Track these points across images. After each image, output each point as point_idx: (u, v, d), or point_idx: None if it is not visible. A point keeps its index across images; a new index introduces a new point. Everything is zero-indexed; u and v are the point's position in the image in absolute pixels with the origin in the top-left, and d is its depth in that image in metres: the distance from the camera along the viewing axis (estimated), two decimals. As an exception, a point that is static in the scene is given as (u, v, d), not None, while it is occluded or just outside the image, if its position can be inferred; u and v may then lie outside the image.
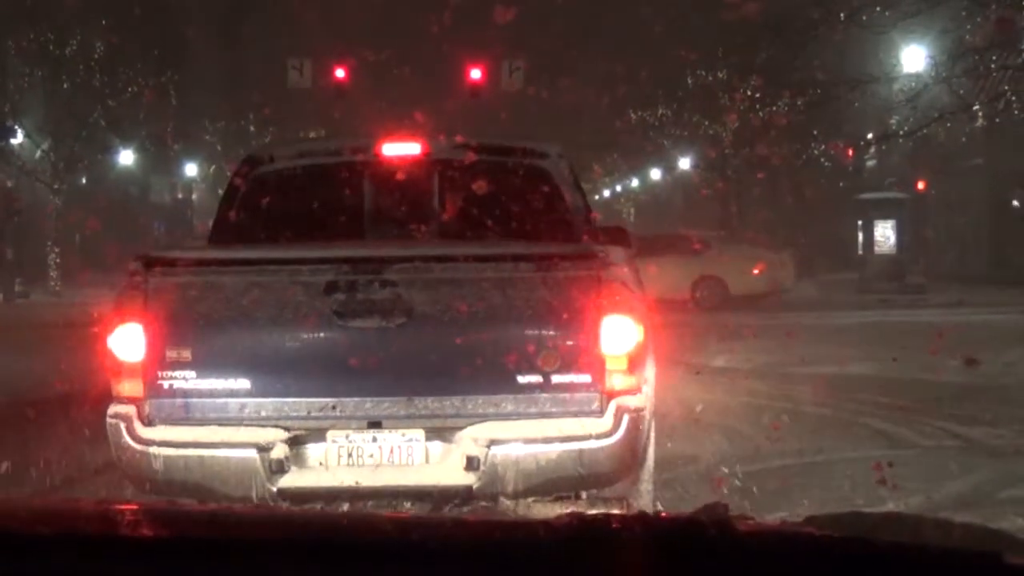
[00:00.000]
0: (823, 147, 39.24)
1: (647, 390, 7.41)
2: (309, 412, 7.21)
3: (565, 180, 9.31)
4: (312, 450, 7.27)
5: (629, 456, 7.21)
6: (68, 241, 49.85)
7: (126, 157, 55.42)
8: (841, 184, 48.13)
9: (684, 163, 61.12)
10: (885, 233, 42.52)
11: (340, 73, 42.07)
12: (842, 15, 23.68)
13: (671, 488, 9.77)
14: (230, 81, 66.07)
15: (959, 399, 15.23)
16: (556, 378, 7.11)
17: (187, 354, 7.21)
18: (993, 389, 16.40)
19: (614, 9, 48.24)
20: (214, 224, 9.38)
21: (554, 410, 7.14)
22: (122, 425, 7.21)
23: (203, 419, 7.23)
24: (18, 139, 46.08)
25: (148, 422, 7.23)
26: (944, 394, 15.80)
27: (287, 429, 7.21)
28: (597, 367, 7.11)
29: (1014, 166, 46.21)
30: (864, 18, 23.92)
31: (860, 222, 43.68)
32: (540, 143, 9.70)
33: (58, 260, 46.71)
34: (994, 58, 22.12)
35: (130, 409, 7.23)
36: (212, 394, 7.23)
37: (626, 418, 7.08)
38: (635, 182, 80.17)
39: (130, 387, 7.24)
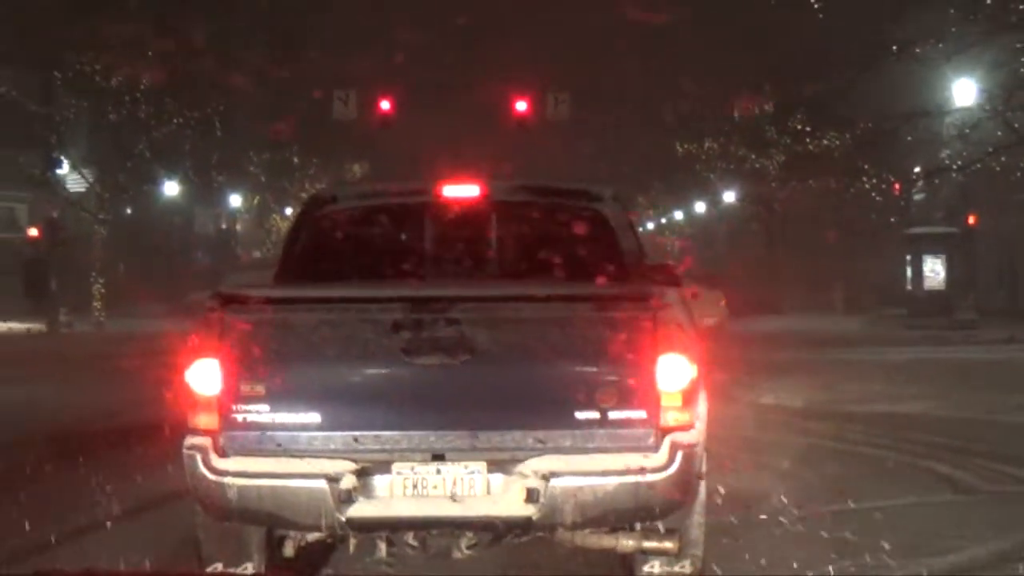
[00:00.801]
0: (873, 180, 38.79)
1: (700, 425, 7.54)
2: (376, 445, 7.39)
3: (620, 222, 9.51)
4: (379, 481, 7.43)
5: (683, 489, 7.36)
6: (112, 271, 49.93)
7: (171, 188, 55.53)
8: (892, 219, 47.71)
9: (729, 196, 60.82)
10: (934, 268, 42.20)
11: (385, 105, 42.06)
12: (895, 47, 23.33)
13: (730, 535, 9.47)
14: (275, 112, 66.17)
15: (1018, 441, 14.84)
16: (613, 414, 7.28)
17: (260, 388, 7.40)
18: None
19: (661, 41, 47.96)
20: (280, 261, 9.57)
21: (611, 445, 7.29)
22: (198, 456, 7.39)
23: (275, 450, 7.42)
24: (64, 170, 46.16)
25: (223, 453, 7.42)
26: (1002, 435, 15.44)
27: (355, 461, 7.38)
28: (653, 404, 7.28)
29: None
30: (918, 51, 23.56)
31: (909, 256, 43.34)
32: (595, 184, 9.89)
33: (102, 290, 46.74)
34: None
35: (206, 441, 7.42)
36: (284, 427, 7.42)
37: (680, 453, 7.23)
38: (679, 214, 79.96)
39: (206, 420, 7.44)
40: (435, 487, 7.36)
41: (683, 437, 7.30)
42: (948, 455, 13.82)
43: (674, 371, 7.28)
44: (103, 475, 11.60)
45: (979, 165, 26.94)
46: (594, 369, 7.34)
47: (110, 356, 28.37)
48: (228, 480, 7.34)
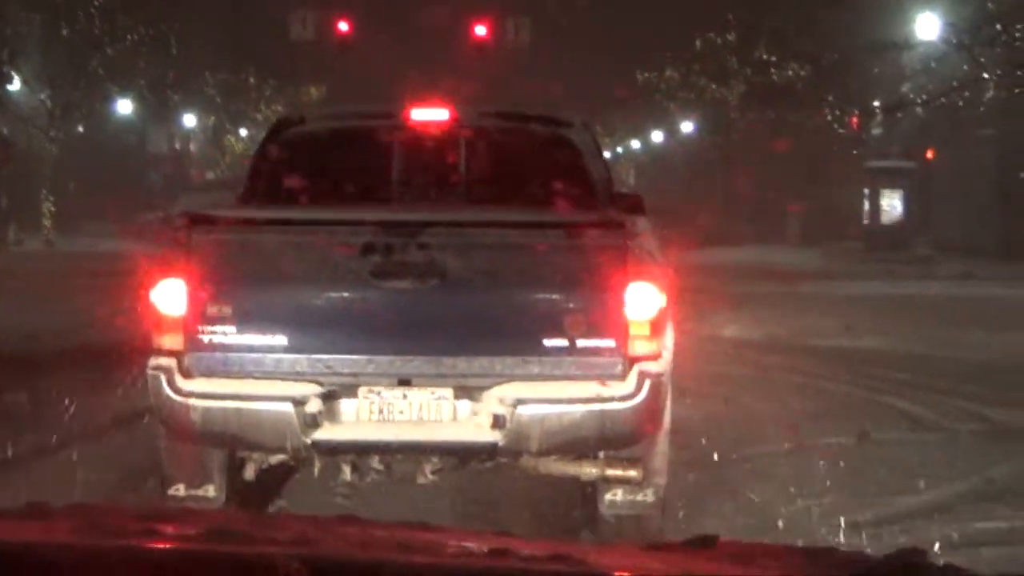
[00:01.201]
0: (836, 113, 38.56)
1: (667, 355, 7.55)
2: (343, 368, 7.41)
3: (589, 149, 9.55)
4: (345, 405, 7.46)
5: (649, 419, 7.39)
6: (63, 190, 49.37)
7: (124, 106, 54.88)
8: (855, 151, 47.50)
9: (687, 126, 60.61)
10: (892, 202, 42.07)
11: (344, 26, 41.62)
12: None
13: (692, 469, 9.33)
14: (231, 32, 65.48)
15: (979, 378, 14.71)
16: (581, 342, 7.29)
17: (227, 310, 7.43)
18: (1014, 369, 15.94)
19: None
20: (246, 183, 9.60)
21: (578, 373, 7.30)
22: (163, 376, 7.40)
23: (241, 373, 7.43)
24: (15, 86, 45.48)
25: (188, 374, 7.43)
26: (963, 372, 15.32)
27: (321, 384, 7.39)
28: (621, 332, 7.29)
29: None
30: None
31: (866, 190, 43.18)
32: (565, 112, 9.98)
33: (52, 209, 46.21)
34: (1019, 27, 21.54)
35: (171, 361, 7.42)
36: (250, 349, 7.43)
37: (648, 382, 7.24)
38: (636, 144, 79.70)
39: (171, 340, 7.45)
40: (401, 412, 7.39)
41: (651, 367, 7.30)
42: (909, 391, 13.72)
43: (643, 300, 7.27)
44: (56, 396, 11.42)
45: (943, 100, 26.70)
46: (563, 297, 7.35)
47: (59, 274, 28.14)
48: (193, 401, 7.36)
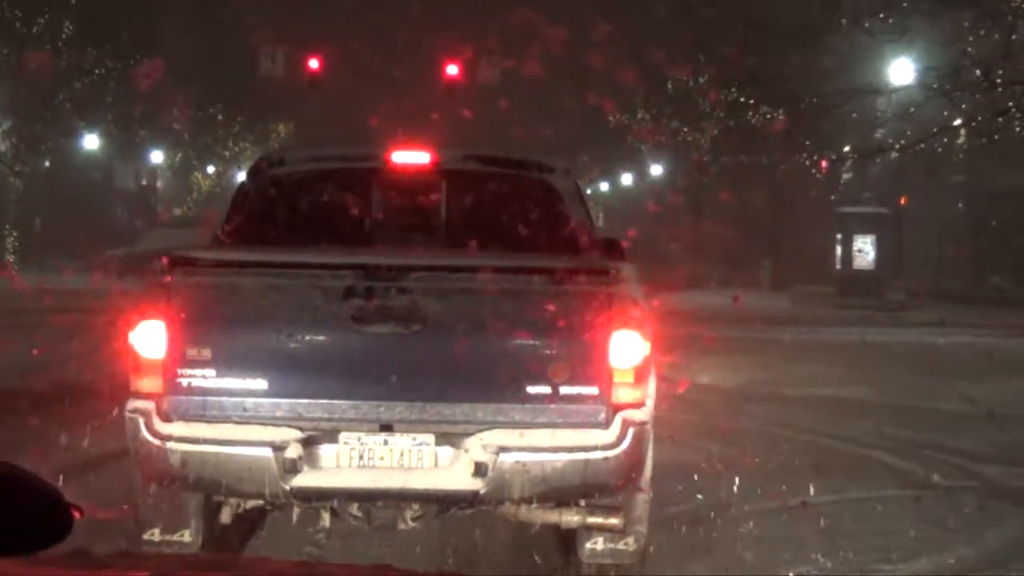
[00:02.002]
0: (813, 158, 38.37)
1: (650, 403, 7.53)
2: (323, 413, 7.38)
3: (571, 194, 9.46)
4: (325, 450, 7.42)
5: (632, 467, 7.38)
6: (29, 224, 48.85)
7: (91, 142, 54.46)
8: (831, 197, 47.43)
9: (657, 169, 60.43)
10: (864, 248, 41.90)
11: (314, 64, 41.23)
12: (844, 21, 22.78)
13: (668, 529, 8.94)
14: (201, 68, 65.11)
15: (966, 431, 14.39)
16: (564, 389, 7.28)
17: (207, 352, 7.38)
18: (1000, 421, 15.56)
19: (596, 9, 47.33)
20: (225, 223, 9.43)
21: (561, 420, 7.28)
22: (141, 420, 7.36)
23: (220, 417, 7.39)
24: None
25: (166, 417, 7.39)
26: (949, 424, 15.00)
27: (301, 429, 7.36)
28: (605, 380, 7.28)
29: (995, 184, 45.55)
30: (867, 24, 23.03)
31: (839, 235, 43.04)
32: (547, 157, 9.85)
33: (16, 244, 45.65)
34: (1000, 72, 21.29)
35: (149, 404, 7.39)
36: (230, 392, 7.38)
37: (631, 431, 7.25)
38: (604, 186, 79.54)
39: (150, 383, 7.41)
40: (382, 458, 7.35)
41: (634, 415, 7.29)
42: (895, 445, 13.36)
43: (627, 348, 7.27)
44: (22, 436, 11.06)
45: (922, 145, 26.49)
46: (546, 343, 7.31)
47: (21, 311, 27.59)
48: (171, 445, 7.31)
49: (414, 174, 9.52)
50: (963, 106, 23.30)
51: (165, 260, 7.46)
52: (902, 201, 47.39)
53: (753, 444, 12.91)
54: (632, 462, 7.35)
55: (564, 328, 7.29)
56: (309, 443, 7.36)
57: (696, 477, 10.80)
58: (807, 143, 34.51)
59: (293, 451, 7.25)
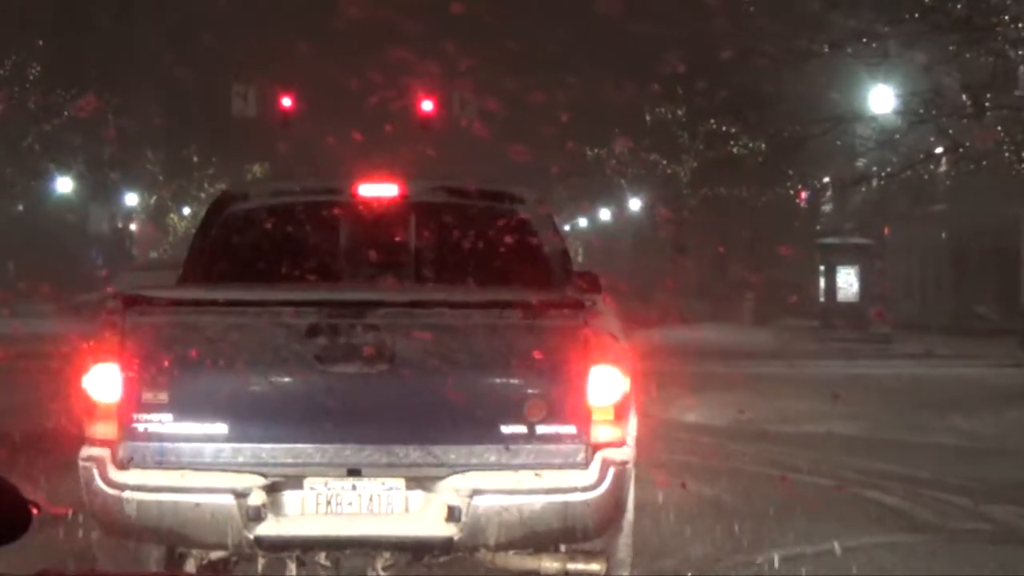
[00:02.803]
0: (792, 189, 37.93)
1: (631, 442, 7.29)
2: (287, 458, 7.11)
3: (544, 225, 9.15)
4: (290, 497, 7.14)
5: (613, 509, 7.11)
6: (1, 269, 48.26)
7: (64, 185, 53.95)
8: (815, 227, 47.00)
9: (635, 203, 59.99)
10: (848, 279, 41.46)
11: (287, 102, 40.81)
12: (826, 47, 22.27)
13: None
14: (173, 110, 64.58)
15: (964, 467, 13.87)
16: (541, 428, 7.01)
17: (164, 396, 7.12)
18: (992, 454, 15.07)
19: (572, 38, 46.91)
20: (186, 261, 9.19)
21: (538, 461, 7.01)
22: (95, 468, 7.07)
23: (179, 463, 7.12)
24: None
25: (122, 465, 7.11)
26: (945, 460, 14.44)
27: (264, 475, 7.08)
28: (583, 418, 7.01)
29: (977, 213, 45.10)
30: (850, 50, 22.53)
31: (822, 267, 42.60)
32: (518, 188, 9.51)
33: (-14, 288, 44.99)
34: (989, 96, 20.79)
35: (103, 452, 7.11)
36: (188, 438, 7.13)
37: (611, 471, 6.97)
38: (583, 222, 79.10)
39: (104, 429, 7.13)
40: (350, 504, 7.09)
41: (614, 454, 7.03)
42: (891, 484, 12.76)
43: (606, 384, 7.02)
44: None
45: (909, 172, 25.99)
46: (521, 381, 7.08)
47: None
48: (127, 495, 7.03)
49: (382, 207, 9.18)
50: (950, 131, 22.78)
51: (119, 299, 7.19)
52: (885, 231, 46.89)
53: (745, 486, 12.27)
54: (613, 503, 7.06)
55: (539, 365, 7.01)
56: (273, 489, 7.06)
57: (687, 524, 10.14)
58: (790, 172, 34.01)
59: (256, 498, 6.95)
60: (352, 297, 7.48)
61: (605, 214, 72.89)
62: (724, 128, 34.68)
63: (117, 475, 7.07)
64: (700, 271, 53.10)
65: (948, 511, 11.39)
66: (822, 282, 42.62)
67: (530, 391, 7.04)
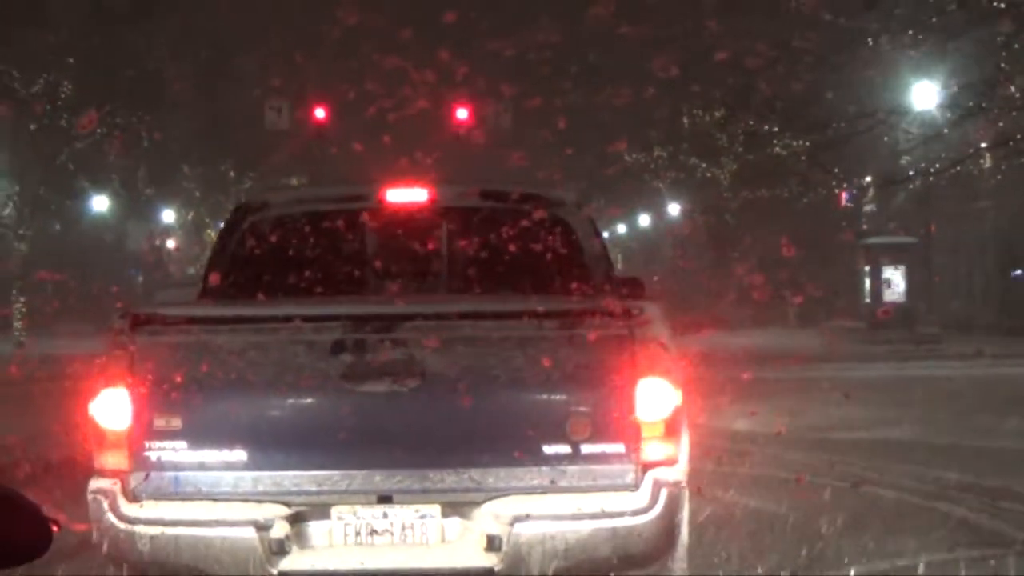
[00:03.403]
0: (844, 185, 37.32)
1: (684, 460, 6.86)
2: (312, 486, 6.73)
3: (584, 229, 8.77)
4: (316, 528, 6.77)
5: (666, 534, 6.69)
6: (37, 290, 48.04)
7: (100, 203, 53.80)
8: (863, 227, 46.37)
9: (675, 208, 59.43)
10: (894, 279, 40.82)
11: (320, 114, 40.73)
12: (870, 40, 21.68)
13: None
14: (208, 124, 64.41)
15: (1030, 473, 13.16)
16: (586, 448, 6.61)
17: (177, 422, 6.73)
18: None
19: (606, 48, 46.40)
20: (204, 278, 8.83)
21: (584, 484, 6.62)
22: (104, 501, 6.72)
23: (195, 494, 6.76)
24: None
25: (134, 498, 6.76)
26: (1009, 465, 13.86)
27: (288, 505, 6.72)
28: (632, 436, 6.62)
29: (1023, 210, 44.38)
30: (903, 39, 21.91)
31: (867, 268, 41.98)
32: (556, 190, 9.22)
33: (23, 310, 44.72)
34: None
35: (114, 483, 6.75)
36: (205, 466, 6.74)
37: (664, 492, 6.58)
38: (622, 228, 78.50)
39: (114, 459, 6.77)
40: (381, 534, 6.72)
41: (666, 474, 6.63)
42: (958, 493, 12.15)
43: (656, 397, 6.61)
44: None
45: (958, 168, 25.40)
46: (563, 396, 6.68)
47: (25, 380, 26.74)
48: (140, 529, 6.67)
49: (411, 213, 8.74)
50: (1000, 124, 22.16)
51: (127, 318, 6.77)
52: (931, 229, 46.19)
53: (806, 499, 11.63)
54: (667, 528, 6.65)
55: (583, 378, 6.63)
56: (297, 520, 6.72)
57: (747, 542, 9.54)
58: (835, 170, 33.44)
59: (279, 530, 6.62)
60: (379, 310, 7.07)
61: (644, 220, 72.27)
62: (766, 127, 34.01)
63: (129, 508, 6.72)
64: (742, 275, 52.42)
65: (1022, 522, 10.77)
66: (867, 283, 41.99)
67: (574, 407, 6.63)
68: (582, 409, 6.62)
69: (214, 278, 8.64)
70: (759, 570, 8.74)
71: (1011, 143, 22.57)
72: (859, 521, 10.48)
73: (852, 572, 8.63)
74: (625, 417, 6.61)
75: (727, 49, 32.45)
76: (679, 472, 6.74)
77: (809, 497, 11.71)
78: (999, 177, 35.11)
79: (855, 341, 39.14)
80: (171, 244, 70.36)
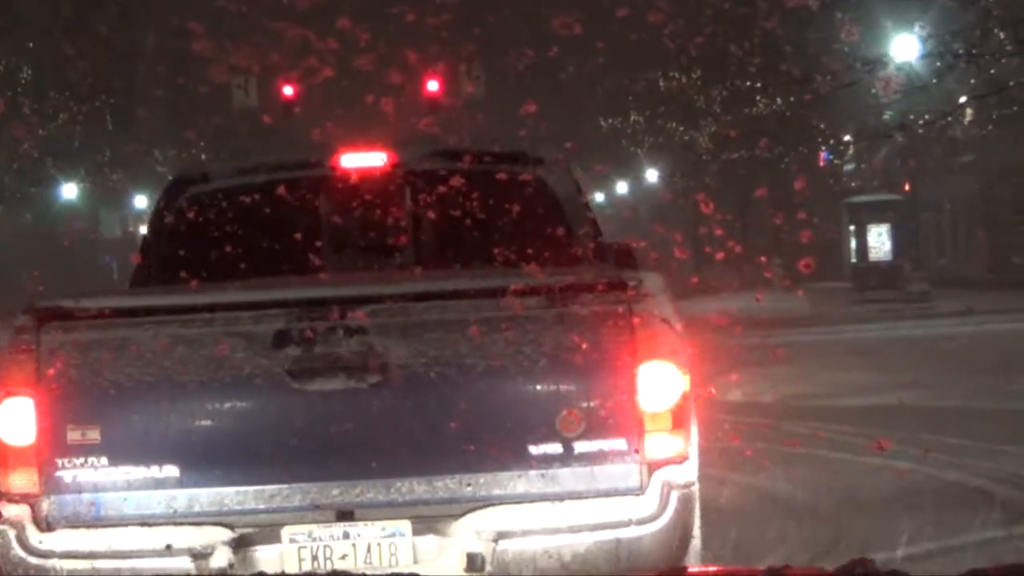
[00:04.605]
0: (827, 142, 36.78)
1: (694, 456, 5.99)
2: (259, 504, 5.94)
3: (567, 191, 7.93)
4: (264, 553, 5.96)
5: (678, 544, 5.88)
6: (13, 280, 47.49)
7: (70, 191, 53.16)
8: (850, 183, 46.00)
9: (652, 174, 58.97)
10: (880, 238, 40.41)
11: (288, 91, 40.07)
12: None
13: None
14: (178, 106, 63.89)
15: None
16: (581, 446, 5.81)
17: (95, 434, 5.91)
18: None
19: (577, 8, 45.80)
20: (138, 261, 8.06)
21: (580, 489, 5.83)
22: (11, 533, 5.92)
23: (119, 519, 5.94)
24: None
25: (46, 526, 5.95)
26: (1020, 429, 13.23)
27: (231, 527, 5.94)
28: (634, 430, 5.81)
29: (1007, 161, 43.88)
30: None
31: (852, 227, 41.61)
32: (534, 147, 8.28)
33: (-6, 300, 44.11)
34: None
35: (22, 510, 5.94)
36: (131, 485, 5.94)
37: (674, 496, 5.81)
38: (599, 196, 78.05)
39: (20, 481, 5.95)
40: (343, 557, 5.92)
41: (676, 474, 5.84)
42: (978, 463, 11.43)
43: (660, 384, 5.81)
44: None
45: (949, 118, 24.79)
46: (552, 386, 5.86)
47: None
48: (55, 563, 5.89)
49: (370, 180, 7.84)
50: (992, 72, 21.50)
51: (30, 313, 5.90)
52: (906, 187, 45.77)
53: (814, 476, 10.90)
54: (678, 536, 5.87)
55: (574, 364, 5.79)
56: (242, 545, 5.91)
57: (763, 529, 8.77)
58: (821, 126, 32.84)
59: (221, 558, 5.84)
60: (329, 293, 6.18)
61: (622, 187, 71.71)
62: (748, 84, 33.38)
63: (41, 539, 5.92)
64: (724, 238, 52.03)
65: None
66: (853, 242, 41.67)
67: (564, 399, 5.83)
68: (574, 401, 5.86)
69: (148, 261, 7.88)
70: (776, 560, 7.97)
71: (1001, 92, 21.94)
72: (872, 498, 9.80)
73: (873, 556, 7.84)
74: (625, 408, 5.83)
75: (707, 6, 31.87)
76: (690, 471, 5.96)
77: (816, 473, 11.12)
78: (985, 130, 34.62)
79: (843, 302, 38.81)
80: (145, 230, 70.07)
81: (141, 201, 64.09)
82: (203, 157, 61.69)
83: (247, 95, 40.77)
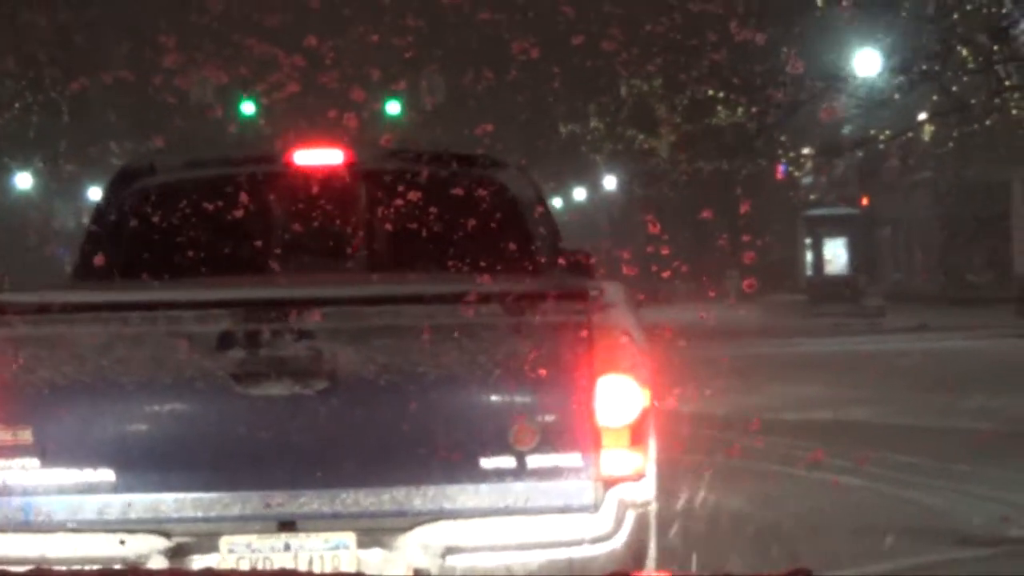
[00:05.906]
0: (787, 155, 36.86)
1: (652, 474, 5.82)
2: (197, 512, 5.76)
3: (527, 197, 7.83)
4: (200, 563, 5.76)
5: (632, 564, 5.72)
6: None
7: (24, 180, 52.81)
8: (812, 197, 46.17)
9: (610, 182, 58.99)
10: (836, 251, 40.62)
11: (248, 105, 40.34)
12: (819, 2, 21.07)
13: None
14: (136, 99, 63.63)
15: (1001, 458, 12.47)
16: (534, 461, 5.63)
17: (27, 435, 5.74)
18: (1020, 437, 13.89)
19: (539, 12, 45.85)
20: (79, 257, 7.83)
21: (533, 505, 5.65)
22: None
23: (50, 524, 5.74)
24: None
25: None
26: (976, 449, 13.12)
27: (167, 535, 5.74)
28: (590, 445, 5.64)
29: (964, 178, 44.16)
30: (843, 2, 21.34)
31: (808, 240, 41.77)
32: (494, 154, 8.31)
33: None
34: (996, 49, 19.58)
35: None
36: (62, 489, 5.76)
37: (630, 515, 5.68)
38: (557, 202, 78.15)
39: None
40: (284, 569, 5.72)
41: (633, 491, 5.69)
42: (928, 480, 11.42)
43: (618, 398, 5.65)
44: None
45: (911, 134, 24.88)
46: (506, 398, 5.70)
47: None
48: None
49: (324, 178, 7.64)
50: (954, 88, 21.59)
51: None
52: (864, 201, 45.96)
53: (766, 491, 10.84)
54: (632, 556, 5.70)
55: (529, 376, 5.61)
56: (179, 554, 5.72)
57: (714, 548, 8.64)
58: (782, 139, 32.94)
59: (156, 566, 5.62)
60: (277, 294, 6.03)
61: (580, 194, 71.74)
62: (710, 92, 33.37)
63: None
64: (680, 249, 52.10)
65: (998, 514, 9.97)
66: (808, 255, 41.84)
67: (518, 411, 5.67)
68: (529, 413, 5.70)
69: (91, 257, 7.57)
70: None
71: (963, 110, 22.02)
72: (822, 517, 9.76)
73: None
74: (581, 423, 5.68)
75: (668, 15, 31.92)
76: (647, 489, 5.82)
77: (768, 489, 11.02)
78: (949, 145, 34.77)
79: (797, 315, 38.98)
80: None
81: (96, 193, 63.93)
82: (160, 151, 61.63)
83: (204, 91, 40.70)
